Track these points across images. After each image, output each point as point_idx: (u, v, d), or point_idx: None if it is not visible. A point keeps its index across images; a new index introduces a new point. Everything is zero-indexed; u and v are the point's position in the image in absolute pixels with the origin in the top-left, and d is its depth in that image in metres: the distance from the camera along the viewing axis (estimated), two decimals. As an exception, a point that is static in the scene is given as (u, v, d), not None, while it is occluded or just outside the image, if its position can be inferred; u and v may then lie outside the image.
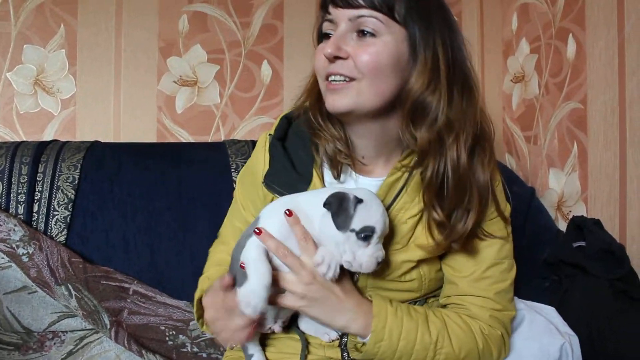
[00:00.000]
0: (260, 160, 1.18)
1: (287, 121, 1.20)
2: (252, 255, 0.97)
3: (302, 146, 1.14)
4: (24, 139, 1.97)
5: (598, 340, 1.30)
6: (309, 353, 1.11)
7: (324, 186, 1.11)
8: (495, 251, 1.11)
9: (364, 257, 0.97)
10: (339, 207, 0.97)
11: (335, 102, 1.03)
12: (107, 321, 1.48)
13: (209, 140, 2.11)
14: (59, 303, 1.50)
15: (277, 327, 1.08)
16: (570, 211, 1.73)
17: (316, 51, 1.08)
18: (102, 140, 1.85)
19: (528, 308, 1.36)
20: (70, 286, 1.50)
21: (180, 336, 1.53)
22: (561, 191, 1.78)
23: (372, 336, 1.01)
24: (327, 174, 1.13)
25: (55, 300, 1.50)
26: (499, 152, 2.21)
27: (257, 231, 0.98)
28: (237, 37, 2.13)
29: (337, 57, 1.01)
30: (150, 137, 2.08)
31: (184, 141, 2.10)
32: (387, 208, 1.07)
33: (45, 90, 2.04)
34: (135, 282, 1.60)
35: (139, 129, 2.08)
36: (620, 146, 1.51)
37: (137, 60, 2.08)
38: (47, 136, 2.03)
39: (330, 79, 1.02)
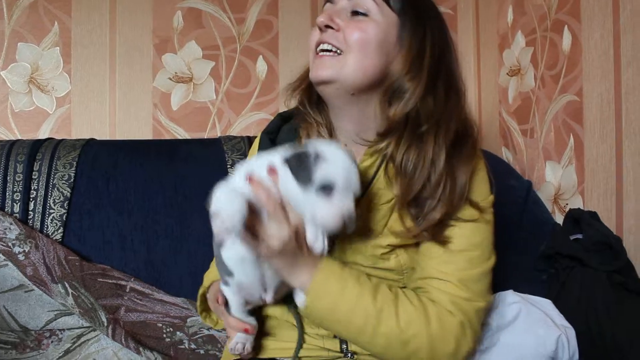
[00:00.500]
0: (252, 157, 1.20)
1: (280, 118, 1.23)
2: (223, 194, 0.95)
3: (290, 142, 1.16)
4: (19, 138, 1.97)
5: (595, 332, 1.30)
6: (305, 342, 1.11)
7: None
8: (464, 237, 1.07)
9: (324, 210, 0.94)
10: (299, 164, 0.95)
11: (319, 70, 1.07)
12: (104, 319, 1.48)
13: (205, 137, 2.10)
14: (55, 301, 1.50)
15: (268, 297, 1.06)
16: (567, 204, 1.73)
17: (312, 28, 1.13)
18: (98, 138, 1.85)
19: (524, 301, 1.36)
20: (66, 284, 1.50)
21: (178, 333, 1.52)
22: (558, 184, 1.78)
23: (311, 288, 0.99)
24: None
25: (52, 299, 1.50)
26: (495, 145, 2.21)
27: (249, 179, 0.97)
28: (232, 33, 2.13)
29: (328, 27, 1.06)
30: (146, 134, 2.08)
31: (180, 138, 2.09)
32: (362, 194, 1.06)
33: (40, 88, 2.04)
34: (132, 280, 1.59)
35: (134, 126, 2.08)
36: (616, 138, 1.51)
37: (131, 57, 2.08)
38: (43, 134, 2.02)
39: (319, 48, 1.07)
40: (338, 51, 1.05)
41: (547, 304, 1.39)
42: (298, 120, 1.18)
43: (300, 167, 0.95)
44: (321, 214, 0.94)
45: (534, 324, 1.31)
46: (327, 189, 0.94)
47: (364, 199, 1.08)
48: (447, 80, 1.09)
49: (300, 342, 1.10)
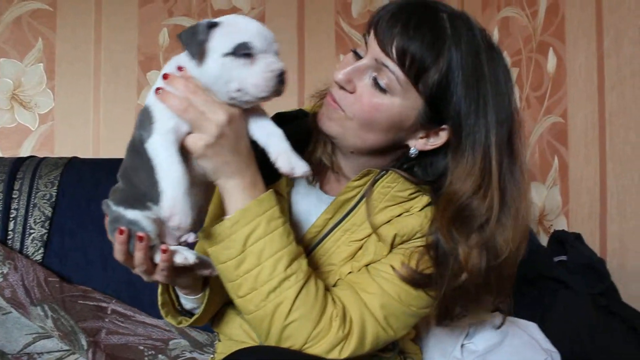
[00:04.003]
0: None
1: (278, 118, 1.12)
2: (161, 156, 0.85)
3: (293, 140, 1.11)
4: (0, 155, 1.94)
5: (580, 356, 1.30)
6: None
7: (291, 185, 1.09)
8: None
9: (254, 75, 0.86)
10: (191, 37, 0.86)
11: (323, 121, 1.00)
12: (84, 342, 1.45)
13: (190, 155, 2.09)
14: (34, 324, 1.47)
15: (191, 238, 0.94)
16: (551, 225, 1.73)
17: (343, 60, 1.03)
18: (81, 156, 1.82)
19: (510, 323, 1.36)
20: (46, 306, 1.47)
21: (160, 356, 1.50)
22: (542, 205, 1.79)
23: (239, 213, 0.91)
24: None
25: (30, 321, 1.47)
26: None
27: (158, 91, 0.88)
28: (218, 50, 2.12)
29: (343, 87, 0.97)
30: (130, 152, 2.06)
31: (165, 156, 2.08)
32: (334, 226, 1.04)
33: (23, 104, 2.01)
34: (113, 301, 1.57)
35: (118, 144, 2.04)
36: (600, 160, 1.52)
37: (116, 74, 2.06)
38: (24, 152, 2.00)
39: (330, 96, 0.99)
40: (343, 109, 0.97)
41: (532, 327, 1.38)
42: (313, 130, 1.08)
43: (188, 41, 0.86)
44: (253, 81, 0.86)
45: (520, 347, 1.30)
46: (242, 54, 0.86)
47: (333, 234, 1.04)
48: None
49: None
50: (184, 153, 0.88)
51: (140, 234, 0.90)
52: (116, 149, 2.04)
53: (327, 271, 1.05)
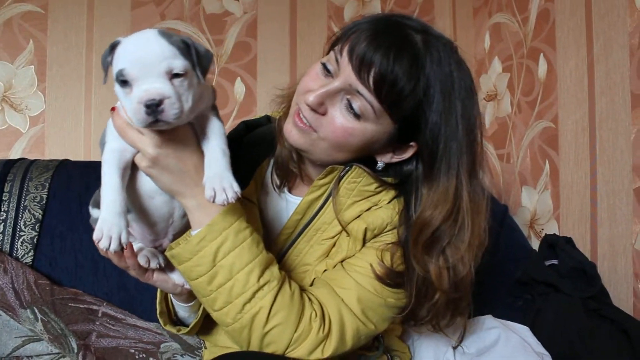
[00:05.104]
0: None
1: (245, 126, 1.17)
2: (104, 176, 0.87)
3: (254, 150, 1.12)
4: (-9, 157, 1.93)
5: (571, 358, 1.30)
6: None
7: (260, 189, 1.11)
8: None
9: (129, 104, 0.81)
10: (103, 59, 0.85)
11: (292, 136, 0.99)
12: (74, 345, 1.44)
13: (182, 158, 2.08)
14: (23, 327, 1.46)
15: (153, 264, 0.99)
16: (542, 229, 1.74)
17: (312, 67, 1.02)
18: (72, 159, 1.81)
19: (503, 327, 1.36)
20: (36, 309, 1.45)
21: (151, 359, 1.49)
22: (534, 209, 1.80)
23: (205, 229, 0.92)
24: (268, 179, 1.13)
25: (19, 324, 1.46)
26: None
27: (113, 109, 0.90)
28: (211, 54, 2.12)
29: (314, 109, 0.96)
30: (121, 155, 2.05)
31: (156, 159, 2.07)
32: (305, 227, 1.05)
33: (13, 107, 2.00)
34: (104, 304, 1.56)
35: (109, 146, 2.05)
36: (590, 165, 1.53)
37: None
38: (15, 154, 1.98)
39: (301, 113, 0.98)
40: (315, 130, 0.97)
41: (525, 330, 1.39)
42: (278, 136, 1.09)
43: (103, 61, 0.85)
44: (128, 110, 0.82)
45: (513, 350, 1.31)
46: (122, 82, 0.82)
47: (305, 235, 1.05)
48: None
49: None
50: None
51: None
52: (107, 152, 2.04)
53: (303, 271, 1.06)
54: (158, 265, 1.01)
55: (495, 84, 2.07)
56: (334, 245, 1.06)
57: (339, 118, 0.95)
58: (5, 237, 1.57)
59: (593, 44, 1.52)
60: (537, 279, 1.48)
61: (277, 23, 2.17)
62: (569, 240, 1.53)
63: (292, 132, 0.99)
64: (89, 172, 1.71)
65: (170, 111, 0.81)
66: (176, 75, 0.83)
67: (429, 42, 0.95)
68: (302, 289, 1.00)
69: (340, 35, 1.00)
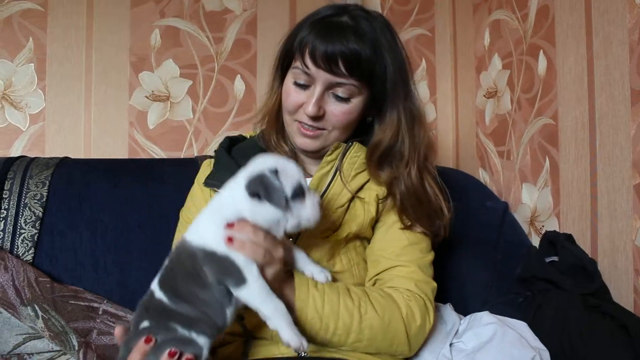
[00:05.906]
0: (205, 172, 1.33)
1: (229, 140, 1.35)
2: (266, 301, 0.97)
3: (248, 156, 1.19)
4: (-9, 155, 1.93)
5: (569, 354, 1.31)
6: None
7: None
8: (412, 234, 1.25)
9: (308, 210, 1.01)
10: (267, 190, 0.97)
11: (308, 145, 1.23)
12: (75, 342, 1.44)
13: (182, 156, 2.08)
14: (24, 324, 1.46)
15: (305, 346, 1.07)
16: (543, 226, 1.74)
17: (287, 89, 1.21)
18: (72, 157, 1.81)
19: (499, 322, 1.36)
20: (36, 307, 1.46)
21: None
22: (534, 206, 1.80)
23: (297, 303, 1.05)
24: None
25: (20, 322, 1.46)
26: (472, 166, 2.22)
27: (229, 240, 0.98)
28: (210, 52, 2.12)
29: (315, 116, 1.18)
30: (121, 153, 2.05)
31: (156, 157, 2.07)
32: (320, 197, 1.17)
33: (13, 105, 2.00)
34: (105, 302, 1.56)
35: (110, 144, 2.05)
36: (590, 161, 1.53)
37: (108, 75, 2.05)
38: (15, 152, 1.98)
39: (304, 124, 1.21)
40: (324, 130, 1.21)
41: (522, 325, 1.39)
42: (265, 148, 1.31)
43: (270, 191, 0.97)
44: (307, 216, 1.01)
45: (509, 345, 1.31)
46: (299, 194, 1.00)
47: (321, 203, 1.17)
48: (412, 114, 1.26)
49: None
50: None
51: (189, 356, 0.93)
52: (107, 150, 2.04)
53: (324, 235, 1.22)
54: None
55: (495, 81, 2.07)
56: (346, 211, 1.23)
57: (336, 108, 1.19)
58: (6, 235, 1.58)
59: (593, 41, 1.51)
60: (537, 275, 1.48)
61: (277, 21, 2.16)
62: (569, 237, 1.53)
63: (307, 143, 1.23)
64: (89, 170, 1.71)
65: None
66: None
67: (355, 16, 1.17)
68: (375, 287, 1.21)
69: (285, 55, 1.25)
